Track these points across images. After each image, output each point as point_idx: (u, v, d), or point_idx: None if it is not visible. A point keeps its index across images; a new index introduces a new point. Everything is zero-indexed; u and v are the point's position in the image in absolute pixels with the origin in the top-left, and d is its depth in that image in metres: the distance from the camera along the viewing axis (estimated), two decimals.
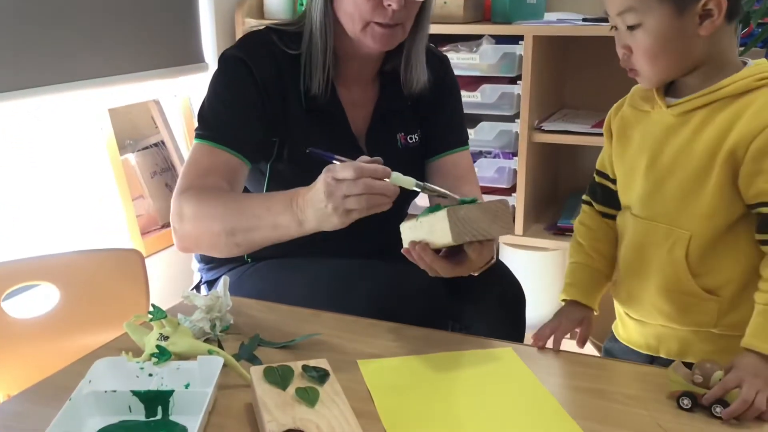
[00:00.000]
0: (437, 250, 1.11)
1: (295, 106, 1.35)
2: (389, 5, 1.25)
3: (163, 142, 2.47)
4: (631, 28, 1.06)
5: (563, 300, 1.24)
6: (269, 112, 1.34)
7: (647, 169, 1.14)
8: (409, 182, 1.12)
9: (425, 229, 1.09)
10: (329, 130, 1.37)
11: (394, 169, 1.40)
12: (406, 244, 1.13)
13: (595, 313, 1.23)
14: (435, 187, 1.16)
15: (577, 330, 1.21)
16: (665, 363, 1.15)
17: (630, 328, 1.23)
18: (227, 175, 1.30)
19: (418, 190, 1.14)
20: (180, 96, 2.48)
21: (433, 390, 1.02)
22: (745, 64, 1.09)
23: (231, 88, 1.34)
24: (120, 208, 2.22)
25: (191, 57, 2.43)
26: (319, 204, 1.10)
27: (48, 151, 2.07)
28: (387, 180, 1.08)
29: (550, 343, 1.15)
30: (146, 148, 2.42)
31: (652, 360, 1.20)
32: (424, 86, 1.42)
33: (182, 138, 2.51)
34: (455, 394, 1.02)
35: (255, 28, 1.41)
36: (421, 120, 1.46)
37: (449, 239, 1.02)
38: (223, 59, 1.37)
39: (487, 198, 1.20)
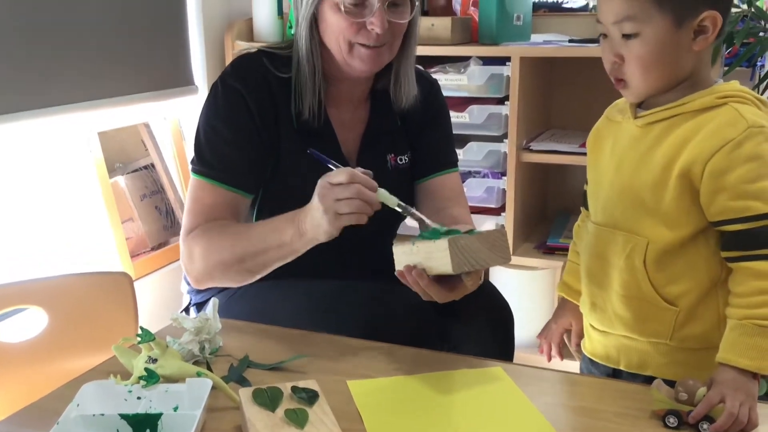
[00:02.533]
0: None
1: (287, 128, 1.36)
2: (372, 29, 1.27)
3: (152, 165, 2.47)
4: (627, 36, 1.06)
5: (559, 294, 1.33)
6: (264, 139, 1.35)
7: (612, 178, 1.16)
8: (392, 201, 1.15)
9: (422, 255, 1.09)
10: (320, 151, 1.37)
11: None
12: (399, 267, 1.13)
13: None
14: (415, 211, 1.19)
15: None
16: (627, 377, 1.18)
17: (594, 340, 1.25)
18: (230, 210, 1.34)
19: (399, 210, 1.16)
20: (170, 119, 2.49)
21: (423, 410, 1.02)
22: (715, 83, 1.11)
23: (228, 122, 1.34)
24: (109, 230, 2.22)
25: (181, 80, 2.44)
26: (314, 210, 1.14)
27: (37, 174, 2.07)
28: (377, 195, 1.12)
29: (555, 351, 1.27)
30: (136, 170, 2.42)
31: (613, 373, 1.22)
32: (415, 103, 1.43)
33: (172, 160, 2.51)
34: (445, 414, 1.02)
35: (247, 51, 1.42)
36: (411, 141, 1.47)
37: (449, 269, 1.02)
38: (217, 88, 1.36)
39: (475, 218, 1.22)
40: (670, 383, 0.99)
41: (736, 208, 1.03)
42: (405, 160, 1.46)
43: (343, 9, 1.27)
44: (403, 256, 1.12)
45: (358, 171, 1.13)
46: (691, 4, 1.04)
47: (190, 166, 1.38)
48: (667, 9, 1.04)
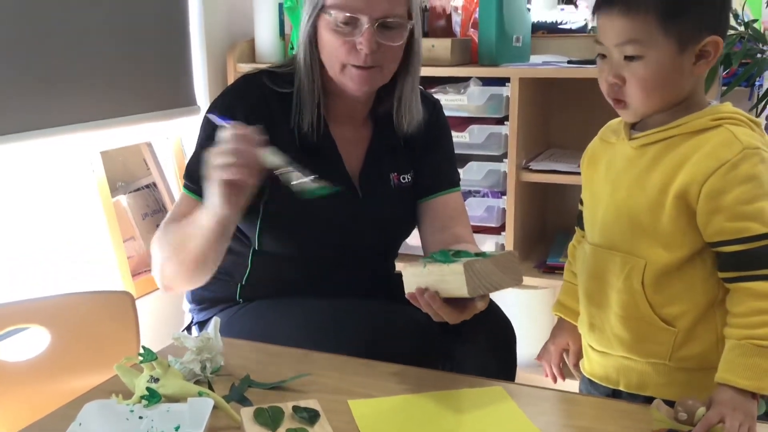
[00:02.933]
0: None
1: (288, 144, 1.36)
2: (361, 49, 1.28)
3: (154, 184, 2.49)
4: (629, 58, 1.07)
5: (554, 311, 1.33)
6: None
7: (608, 199, 1.17)
8: (274, 162, 1.14)
9: (434, 277, 1.08)
10: (322, 167, 1.38)
11: (386, 208, 1.43)
12: (409, 289, 1.12)
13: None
14: (300, 177, 1.17)
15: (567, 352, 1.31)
16: (627, 398, 1.18)
17: (593, 360, 1.25)
18: None
19: (280, 173, 1.16)
20: (172, 138, 2.51)
21: (425, 430, 1.02)
22: (710, 104, 1.12)
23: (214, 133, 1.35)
24: (111, 249, 2.23)
25: (183, 100, 2.46)
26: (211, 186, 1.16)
27: (40, 193, 2.08)
28: (261, 153, 1.12)
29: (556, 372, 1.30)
30: (138, 189, 2.43)
31: (612, 394, 1.22)
32: (418, 127, 1.44)
33: (174, 180, 2.53)
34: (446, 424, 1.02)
35: (249, 73, 1.43)
36: (413, 161, 1.48)
37: (464, 293, 1.02)
38: (214, 107, 1.37)
39: (476, 237, 1.22)
40: (670, 403, 1.00)
41: (733, 229, 1.04)
42: (408, 179, 1.47)
43: (335, 28, 1.29)
44: (414, 278, 1.12)
45: (244, 130, 1.13)
46: (695, 29, 1.06)
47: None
48: (672, 34, 1.05)
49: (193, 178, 1.34)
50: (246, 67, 2.53)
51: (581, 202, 1.28)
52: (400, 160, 1.47)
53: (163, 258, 1.31)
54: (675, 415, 0.97)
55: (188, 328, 1.55)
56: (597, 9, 1.11)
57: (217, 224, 1.20)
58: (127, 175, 2.43)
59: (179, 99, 2.43)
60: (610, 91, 1.11)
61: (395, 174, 1.46)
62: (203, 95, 2.51)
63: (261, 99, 1.37)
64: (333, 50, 1.31)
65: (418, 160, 1.48)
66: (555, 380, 1.33)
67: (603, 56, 1.11)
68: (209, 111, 1.37)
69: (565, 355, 1.33)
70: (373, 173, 1.44)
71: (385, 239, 1.51)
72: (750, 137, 1.06)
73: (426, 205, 1.48)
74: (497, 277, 1.04)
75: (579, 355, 1.30)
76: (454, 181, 1.51)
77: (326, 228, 1.38)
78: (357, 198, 1.41)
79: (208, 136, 1.34)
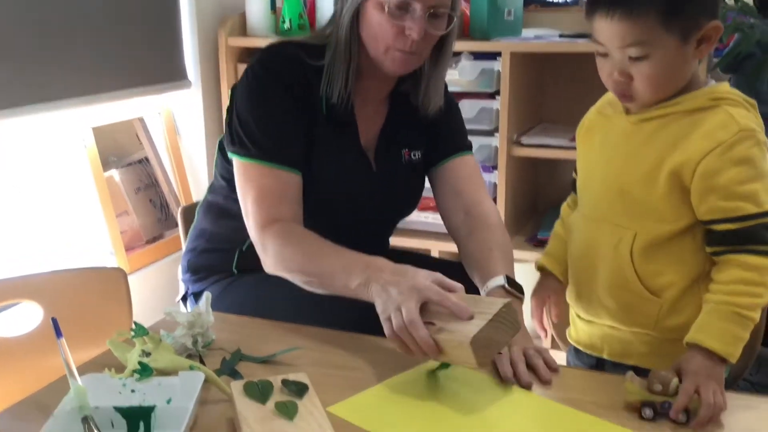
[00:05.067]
0: None
1: (319, 114, 1.38)
2: (409, 34, 1.29)
3: (147, 159, 2.49)
4: (634, 59, 1.07)
5: (538, 269, 1.33)
6: (302, 121, 1.37)
7: (602, 172, 1.18)
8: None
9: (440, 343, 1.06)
10: (341, 141, 1.41)
11: (397, 182, 1.47)
12: None
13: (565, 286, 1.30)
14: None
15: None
16: (610, 367, 1.21)
17: (579, 329, 1.28)
18: (295, 196, 1.34)
19: None
20: (163, 113, 2.50)
21: (416, 407, 1.03)
22: (707, 83, 1.13)
23: (273, 102, 1.35)
24: (104, 224, 2.23)
25: (174, 74, 2.45)
26: (381, 296, 1.12)
27: (32, 169, 2.08)
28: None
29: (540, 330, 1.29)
30: (130, 164, 2.44)
31: (597, 363, 1.25)
32: (440, 111, 1.46)
33: (165, 154, 2.53)
34: (439, 404, 1.04)
35: (277, 43, 1.43)
36: (425, 137, 1.50)
37: (472, 365, 1.01)
38: (256, 72, 1.37)
39: None
40: (640, 375, 1.02)
41: (727, 208, 1.06)
42: (417, 155, 1.50)
43: (386, 10, 1.29)
44: None
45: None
46: (695, 19, 1.06)
47: (235, 149, 1.35)
48: (675, 29, 1.05)
49: (265, 145, 1.33)
50: (237, 41, 2.52)
51: (575, 171, 1.29)
52: (411, 137, 1.49)
53: (284, 267, 1.29)
54: (649, 386, 0.99)
55: (184, 298, 1.56)
56: (592, 11, 1.09)
57: (350, 294, 1.20)
58: (119, 150, 2.43)
59: (170, 73, 2.43)
60: (617, 87, 1.11)
61: (406, 150, 1.48)
62: (194, 70, 2.50)
63: (299, 66, 1.37)
64: (380, 32, 1.31)
65: (429, 133, 1.50)
66: (545, 334, 1.34)
67: (603, 54, 1.11)
68: (256, 79, 1.36)
69: (546, 314, 1.33)
70: (387, 149, 1.46)
71: (392, 213, 1.55)
72: (747, 119, 1.08)
73: (439, 170, 1.50)
74: (498, 335, 1.04)
75: (560, 310, 1.31)
76: (465, 145, 1.53)
77: (338, 198, 1.41)
78: (371, 171, 1.44)
79: (264, 98, 1.34)
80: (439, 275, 1.12)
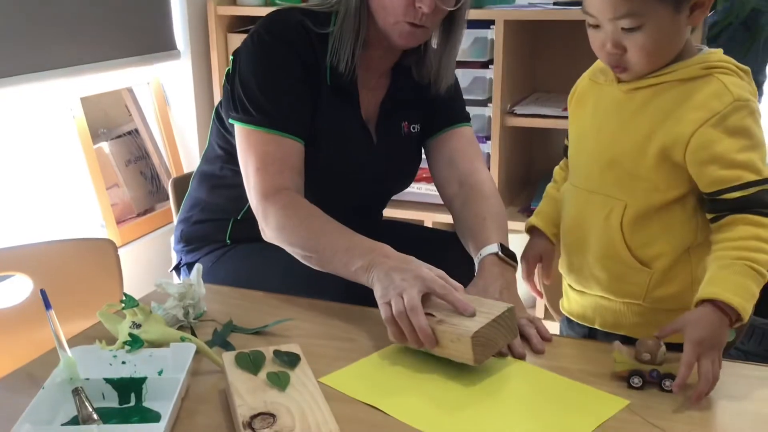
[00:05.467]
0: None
1: (323, 82, 1.37)
2: (420, 7, 1.27)
3: (136, 130, 2.46)
4: (627, 30, 1.05)
5: (527, 230, 1.31)
6: (307, 90, 1.35)
7: (593, 142, 1.17)
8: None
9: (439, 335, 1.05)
10: (343, 110, 1.39)
11: (396, 154, 1.46)
12: None
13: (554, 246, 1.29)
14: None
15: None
16: (602, 337, 1.21)
17: (572, 299, 1.28)
18: (297, 165, 1.32)
19: None
20: (153, 83, 2.47)
21: (408, 378, 1.03)
22: (700, 50, 1.11)
23: (278, 68, 1.33)
24: (94, 197, 2.22)
25: (163, 44, 2.42)
26: (382, 281, 1.11)
27: (20, 141, 2.06)
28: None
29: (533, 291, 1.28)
30: (120, 136, 2.41)
31: (589, 333, 1.25)
32: (450, 87, 1.45)
33: (156, 126, 2.50)
34: (431, 375, 1.04)
35: (283, 9, 1.40)
36: (424, 110, 1.49)
37: (469, 360, 1.01)
38: (262, 38, 1.35)
39: None
40: (625, 344, 1.02)
41: (729, 177, 1.05)
42: (416, 128, 1.49)
43: None
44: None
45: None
46: None
47: (237, 116, 1.33)
48: None
49: (270, 112, 1.31)
50: (226, 10, 2.49)
51: (567, 137, 1.28)
52: (411, 110, 1.48)
53: (285, 239, 1.27)
54: (637, 355, 0.99)
55: (177, 268, 1.56)
56: None
57: (348, 276, 1.19)
58: (108, 122, 2.40)
59: (159, 43, 2.39)
60: (610, 59, 1.10)
61: (406, 123, 1.48)
62: (183, 39, 2.47)
63: (303, 32, 1.35)
64: (390, 3, 1.29)
65: (428, 106, 1.49)
66: (540, 295, 1.33)
67: (595, 26, 1.09)
68: (262, 45, 1.34)
69: (537, 275, 1.32)
70: (387, 121, 1.45)
71: (389, 186, 1.54)
72: (740, 88, 1.06)
73: (435, 141, 1.49)
74: (496, 337, 1.03)
75: (551, 271, 1.29)
76: (463, 117, 1.52)
77: (337, 169, 1.39)
78: (371, 143, 1.43)
79: (270, 65, 1.32)
80: (442, 272, 1.11)
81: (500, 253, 1.25)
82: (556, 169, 1.34)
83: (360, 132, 1.42)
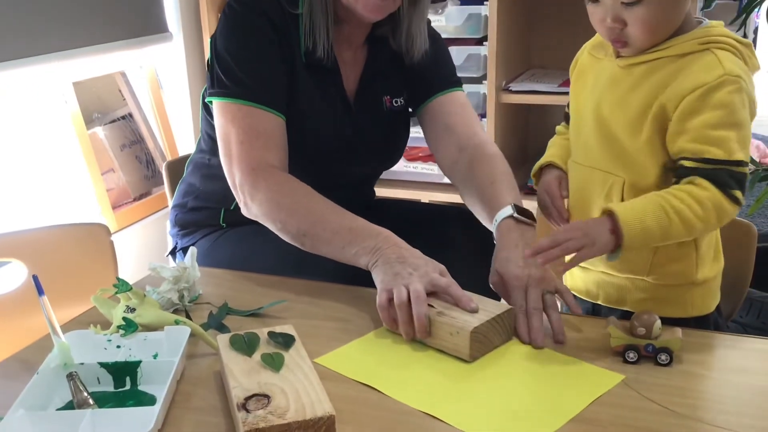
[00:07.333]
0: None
1: (299, 62, 1.34)
2: None
3: (131, 115, 2.45)
4: (628, 4, 1.04)
5: (534, 174, 1.29)
6: (283, 65, 1.32)
7: (591, 117, 1.17)
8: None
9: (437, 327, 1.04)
10: (325, 88, 1.37)
11: (379, 131, 1.43)
12: None
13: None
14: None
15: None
16: (606, 312, 1.20)
17: (575, 276, 1.27)
18: (282, 142, 1.29)
19: None
20: (146, 67, 2.45)
21: (403, 357, 1.03)
22: (700, 23, 1.10)
23: (254, 40, 1.30)
24: (89, 182, 2.21)
25: (155, 27, 2.40)
26: (378, 277, 1.10)
27: (13, 127, 2.05)
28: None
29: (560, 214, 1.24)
30: (114, 121, 2.40)
31: (592, 309, 1.24)
32: (424, 55, 1.41)
33: (149, 109, 2.49)
34: (427, 354, 1.03)
35: None
36: (406, 82, 1.46)
37: (464, 355, 1.00)
38: (235, 10, 1.32)
39: None
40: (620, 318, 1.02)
41: (695, 150, 1.04)
42: (400, 102, 1.46)
43: None
44: None
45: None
46: None
47: (214, 91, 1.30)
48: None
49: (249, 85, 1.28)
50: None
51: (568, 106, 1.27)
52: (393, 83, 1.45)
53: (276, 217, 1.23)
54: (632, 330, 0.98)
55: (173, 253, 1.55)
56: None
57: (343, 259, 1.17)
58: (102, 107, 2.39)
59: (151, 26, 2.37)
60: (610, 34, 1.08)
61: (388, 97, 1.44)
62: (175, 22, 2.45)
63: (279, 9, 1.32)
64: None
65: (411, 76, 1.44)
66: (564, 218, 1.24)
67: (594, 0, 1.07)
68: (238, 17, 1.31)
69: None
70: (368, 96, 1.42)
71: (374, 163, 1.51)
72: (733, 64, 1.05)
73: (427, 109, 1.45)
74: (495, 337, 1.03)
75: (566, 192, 1.24)
76: (453, 81, 1.47)
77: (318, 147, 1.37)
78: (353, 119, 1.40)
79: (247, 37, 1.30)
80: (444, 268, 1.11)
81: (515, 214, 1.20)
82: (558, 127, 1.32)
83: (341, 109, 1.39)
